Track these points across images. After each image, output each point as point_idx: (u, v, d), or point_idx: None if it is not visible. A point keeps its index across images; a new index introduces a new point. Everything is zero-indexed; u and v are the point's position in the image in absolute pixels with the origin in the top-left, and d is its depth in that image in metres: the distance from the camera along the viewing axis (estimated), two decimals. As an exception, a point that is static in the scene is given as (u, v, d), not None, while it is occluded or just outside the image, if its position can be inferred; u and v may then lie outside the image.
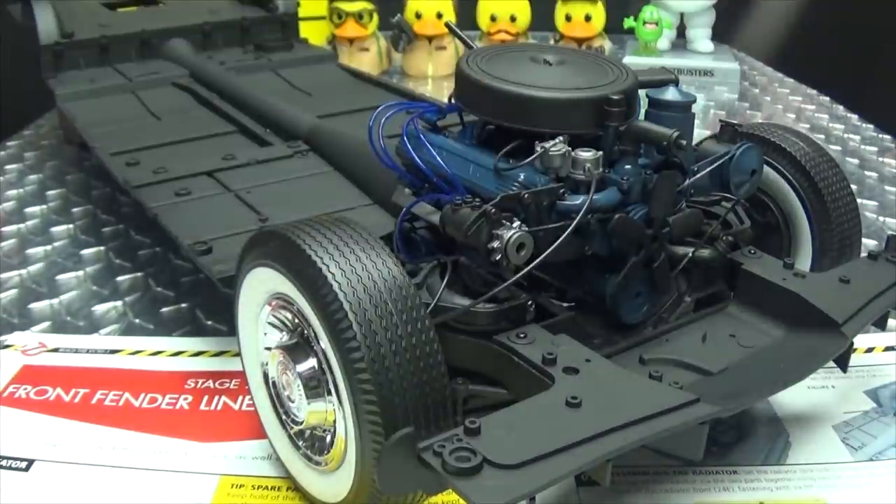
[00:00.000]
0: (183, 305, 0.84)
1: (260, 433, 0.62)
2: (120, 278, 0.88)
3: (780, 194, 0.71)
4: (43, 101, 1.25)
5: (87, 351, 0.76)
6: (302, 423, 0.55)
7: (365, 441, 0.49)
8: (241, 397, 0.69)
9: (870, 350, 0.74)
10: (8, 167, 1.18)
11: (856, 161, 1.19)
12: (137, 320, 0.82)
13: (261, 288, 0.56)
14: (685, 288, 0.64)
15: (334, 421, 0.53)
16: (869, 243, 0.92)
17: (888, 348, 0.75)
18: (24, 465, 0.63)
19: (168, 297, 0.85)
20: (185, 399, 0.70)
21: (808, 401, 0.68)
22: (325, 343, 0.51)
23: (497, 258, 0.53)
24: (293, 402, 0.56)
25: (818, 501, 0.59)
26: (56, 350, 0.76)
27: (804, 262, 0.71)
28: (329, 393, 0.52)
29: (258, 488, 0.61)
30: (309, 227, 0.53)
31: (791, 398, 0.68)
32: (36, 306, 0.84)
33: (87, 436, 0.66)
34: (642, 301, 0.61)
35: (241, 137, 1.00)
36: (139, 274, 0.89)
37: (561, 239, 0.55)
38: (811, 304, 0.60)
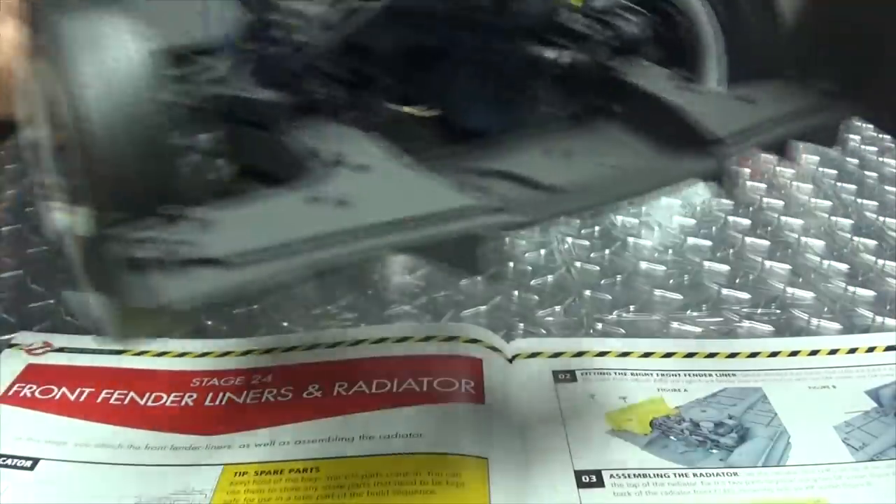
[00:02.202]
0: (186, 305, 0.83)
1: (263, 423, 0.62)
2: (123, 277, 0.88)
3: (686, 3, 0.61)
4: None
5: (93, 351, 0.76)
6: None
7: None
8: (244, 392, 0.70)
9: (870, 350, 0.75)
10: (8, 167, 1.18)
11: (856, 161, 1.19)
12: (141, 320, 0.82)
13: None
14: (554, 98, 0.55)
15: None
16: (869, 243, 0.92)
17: (889, 348, 0.75)
18: (28, 463, 0.63)
19: (171, 297, 0.85)
20: (190, 396, 0.70)
21: (808, 401, 0.68)
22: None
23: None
24: None
25: (819, 501, 0.59)
26: (62, 350, 0.76)
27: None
28: None
29: (261, 473, 0.62)
30: None
31: (791, 398, 0.68)
32: (37, 306, 0.84)
33: (91, 434, 0.66)
34: (486, 107, 0.53)
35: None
36: (142, 273, 0.89)
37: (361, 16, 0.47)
38: (691, 118, 0.52)
